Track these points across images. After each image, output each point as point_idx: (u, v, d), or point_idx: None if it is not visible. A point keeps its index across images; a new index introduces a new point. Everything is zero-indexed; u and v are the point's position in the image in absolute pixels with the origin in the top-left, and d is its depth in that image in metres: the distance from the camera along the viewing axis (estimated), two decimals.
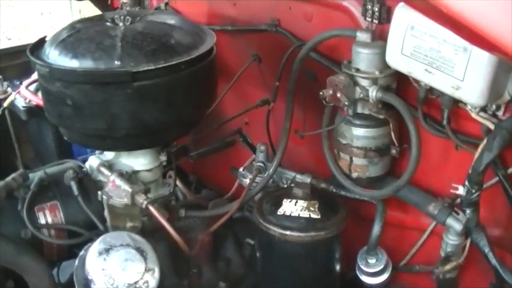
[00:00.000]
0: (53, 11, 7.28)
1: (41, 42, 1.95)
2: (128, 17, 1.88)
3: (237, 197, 2.31)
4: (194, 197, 2.34)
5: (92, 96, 1.74)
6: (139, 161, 1.99)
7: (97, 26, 1.87)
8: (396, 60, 1.67)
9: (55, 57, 1.79)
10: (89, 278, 1.65)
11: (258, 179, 2.10)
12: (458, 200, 1.77)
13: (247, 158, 2.39)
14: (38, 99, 2.53)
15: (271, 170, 2.04)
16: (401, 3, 1.62)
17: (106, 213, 1.91)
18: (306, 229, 1.84)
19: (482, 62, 1.45)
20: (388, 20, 1.80)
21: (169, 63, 1.74)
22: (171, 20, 1.92)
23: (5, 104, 2.63)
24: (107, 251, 1.67)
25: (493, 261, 1.68)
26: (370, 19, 1.84)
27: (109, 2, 3.01)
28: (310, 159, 2.29)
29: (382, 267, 1.95)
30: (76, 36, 1.82)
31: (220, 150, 2.39)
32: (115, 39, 1.76)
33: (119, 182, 1.86)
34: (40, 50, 1.90)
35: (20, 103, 2.61)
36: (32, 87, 2.66)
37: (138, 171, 1.99)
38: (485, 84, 1.47)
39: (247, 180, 2.13)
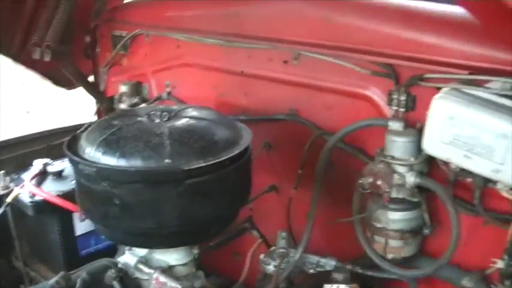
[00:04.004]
0: None
1: (74, 139, 1.92)
2: (165, 113, 1.91)
3: (247, 283, 2.31)
4: (210, 285, 2.32)
5: (142, 195, 1.73)
6: (173, 256, 1.97)
7: (136, 123, 1.88)
8: (434, 147, 1.77)
9: (99, 156, 1.77)
10: None
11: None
12: (487, 272, 1.87)
13: (248, 244, 2.39)
14: (44, 194, 2.48)
15: (297, 256, 2.05)
16: (439, 94, 1.73)
17: None
18: None
19: None
20: (413, 107, 1.92)
21: (218, 160, 1.76)
22: (209, 116, 1.94)
23: (9, 199, 2.53)
24: None
25: None
26: (396, 107, 1.95)
27: (101, 90, 3.00)
28: (320, 240, 2.31)
29: None
30: (119, 135, 1.80)
31: (235, 238, 2.39)
32: (162, 137, 1.76)
33: (163, 279, 1.85)
34: (76, 148, 1.87)
35: (25, 198, 2.52)
36: (34, 181, 2.61)
37: (174, 266, 1.97)
38: None
39: (271, 267, 2.13)
